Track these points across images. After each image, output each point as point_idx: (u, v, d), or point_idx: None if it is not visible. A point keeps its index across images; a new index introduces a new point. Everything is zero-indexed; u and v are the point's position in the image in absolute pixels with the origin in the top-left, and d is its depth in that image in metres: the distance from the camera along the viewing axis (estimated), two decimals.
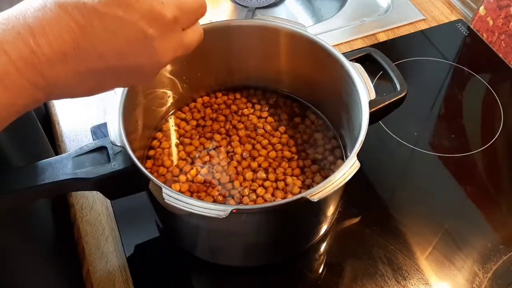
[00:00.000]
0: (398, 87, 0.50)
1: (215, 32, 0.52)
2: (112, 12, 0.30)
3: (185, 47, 0.36)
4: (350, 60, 0.48)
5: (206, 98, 0.58)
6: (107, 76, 0.33)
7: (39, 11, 0.29)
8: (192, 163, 0.52)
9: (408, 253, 0.51)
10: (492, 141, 0.61)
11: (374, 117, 0.45)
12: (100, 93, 0.35)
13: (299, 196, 0.38)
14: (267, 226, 0.45)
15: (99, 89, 0.34)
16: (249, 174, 0.50)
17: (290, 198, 0.40)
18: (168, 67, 0.52)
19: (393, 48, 0.72)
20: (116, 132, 0.42)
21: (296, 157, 0.53)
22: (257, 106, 0.57)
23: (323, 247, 0.53)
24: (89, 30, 0.30)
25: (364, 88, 0.46)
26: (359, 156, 0.41)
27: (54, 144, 0.61)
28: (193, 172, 0.51)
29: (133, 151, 0.41)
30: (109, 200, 0.54)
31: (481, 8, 0.73)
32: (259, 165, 0.52)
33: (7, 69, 0.28)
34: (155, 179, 0.39)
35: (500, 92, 0.67)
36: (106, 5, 0.30)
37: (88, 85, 0.33)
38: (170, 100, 0.56)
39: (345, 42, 0.72)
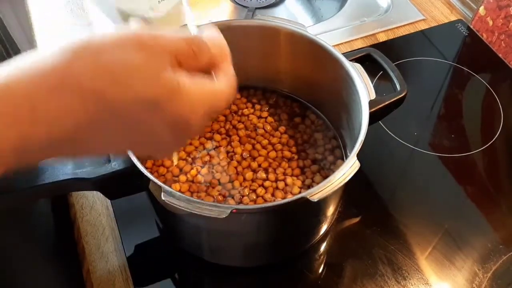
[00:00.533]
0: (398, 87, 0.50)
1: None
2: (132, 112, 0.27)
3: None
4: (350, 60, 0.48)
5: None
6: (100, 154, 0.32)
7: (53, 90, 0.25)
8: (192, 163, 0.52)
9: (408, 253, 0.51)
10: (492, 141, 0.61)
11: (374, 117, 0.45)
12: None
13: (299, 196, 0.38)
14: (267, 226, 0.45)
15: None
16: (249, 174, 0.50)
17: (290, 198, 0.40)
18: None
19: (393, 48, 0.72)
20: None
21: (296, 157, 0.53)
22: (257, 106, 0.57)
23: (323, 247, 0.53)
24: (96, 124, 0.27)
25: (364, 88, 0.46)
26: (359, 156, 0.41)
27: None
28: (193, 172, 0.51)
29: None
30: (109, 200, 0.54)
31: (481, 8, 0.73)
32: (259, 165, 0.52)
33: None
34: (155, 179, 0.39)
35: (500, 92, 0.67)
36: (127, 103, 0.26)
37: (80, 156, 0.32)
38: None
39: (345, 42, 0.72)
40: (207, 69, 0.31)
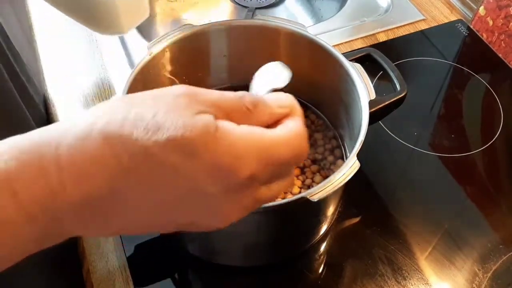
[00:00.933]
0: (398, 87, 0.50)
1: (215, 32, 0.52)
2: (168, 158, 0.23)
3: (259, 204, 0.27)
4: (350, 60, 0.48)
5: None
6: (141, 225, 0.26)
7: (80, 140, 0.23)
8: None
9: (408, 253, 0.51)
10: (492, 141, 0.61)
11: (374, 117, 0.45)
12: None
13: (299, 196, 0.38)
14: (267, 226, 0.45)
15: (130, 233, 0.27)
16: None
17: (290, 198, 0.40)
18: (168, 67, 0.52)
19: (393, 48, 0.72)
20: None
21: None
22: None
23: (323, 247, 0.53)
24: (132, 176, 0.23)
25: (364, 88, 0.46)
26: (359, 156, 0.41)
27: None
28: None
29: None
30: None
31: (481, 8, 0.73)
32: None
33: (11, 218, 0.22)
34: None
35: (500, 92, 0.67)
36: (163, 148, 0.23)
37: (115, 231, 0.26)
38: None
39: (345, 42, 0.72)
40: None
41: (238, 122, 0.25)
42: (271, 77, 0.46)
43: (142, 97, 0.25)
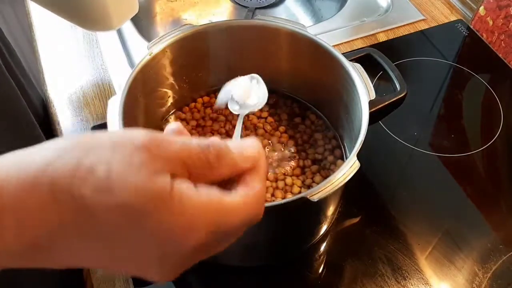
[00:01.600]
0: (398, 87, 0.50)
1: (215, 32, 0.52)
2: (115, 221, 0.22)
3: (199, 260, 0.27)
4: (350, 60, 0.48)
5: (206, 98, 0.58)
6: (88, 266, 0.26)
7: (26, 191, 0.22)
8: None
9: (408, 253, 0.51)
10: (492, 141, 0.61)
11: (374, 117, 0.45)
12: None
13: (299, 196, 0.38)
14: (267, 226, 0.45)
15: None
16: None
17: (290, 198, 0.40)
18: (168, 67, 0.52)
19: (393, 48, 0.72)
20: None
21: (296, 157, 0.53)
22: None
23: (323, 247, 0.53)
24: (74, 232, 0.23)
25: (364, 88, 0.46)
26: (359, 156, 0.41)
27: None
28: None
29: None
30: None
31: (481, 8, 0.73)
32: None
33: None
34: None
35: (500, 92, 0.67)
36: (111, 211, 0.22)
37: (56, 266, 0.25)
38: (170, 100, 0.56)
39: (345, 42, 0.72)
40: (232, 182, 0.26)
41: (198, 175, 0.25)
42: (249, 94, 0.46)
43: (100, 141, 0.23)
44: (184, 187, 0.23)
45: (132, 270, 0.25)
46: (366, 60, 0.52)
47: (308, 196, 0.38)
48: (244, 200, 0.25)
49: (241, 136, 0.51)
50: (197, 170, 0.25)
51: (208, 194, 0.24)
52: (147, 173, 0.22)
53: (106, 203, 0.22)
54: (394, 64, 0.51)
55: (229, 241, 0.27)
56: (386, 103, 0.48)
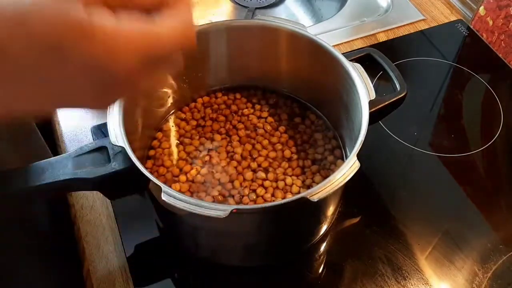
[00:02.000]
0: (398, 87, 0.50)
1: (215, 32, 0.52)
2: (34, 61, 0.22)
3: (139, 88, 0.26)
4: (350, 60, 0.48)
5: (206, 98, 0.58)
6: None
7: None
8: (192, 163, 0.52)
9: (408, 253, 0.51)
10: (492, 141, 0.61)
11: (374, 117, 0.45)
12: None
13: (299, 196, 0.38)
14: (267, 226, 0.45)
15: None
16: (249, 174, 0.50)
17: (290, 198, 0.40)
18: None
19: (393, 48, 0.72)
20: (116, 132, 0.42)
21: (296, 157, 0.53)
22: (257, 106, 0.57)
23: (323, 247, 0.53)
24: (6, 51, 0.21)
25: (364, 88, 0.46)
26: (359, 156, 0.41)
27: (54, 144, 0.61)
28: (193, 172, 0.51)
29: (133, 151, 0.41)
30: (109, 200, 0.54)
31: (481, 8, 0.73)
32: (259, 165, 0.52)
33: None
34: (155, 179, 0.39)
35: (500, 92, 0.67)
36: (24, 50, 0.21)
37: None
38: (170, 100, 0.56)
39: (345, 42, 0.72)
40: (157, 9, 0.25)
41: (116, 3, 0.23)
42: None
43: None
44: (103, 18, 0.22)
45: (69, 103, 0.25)
46: (366, 60, 0.52)
47: (308, 196, 0.38)
48: (169, 22, 0.24)
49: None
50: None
51: (131, 23, 0.23)
52: (59, 8, 0.21)
53: (19, 40, 0.21)
54: (394, 64, 0.51)
55: (166, 68, 0.26)
56: (386, 103, 0.48)
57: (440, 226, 0.54)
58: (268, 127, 0.55)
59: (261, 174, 0.51)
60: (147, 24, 0.24)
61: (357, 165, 0.40)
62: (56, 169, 0.42)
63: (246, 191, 0.49)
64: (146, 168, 0.41)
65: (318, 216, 0.48)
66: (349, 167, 0.40)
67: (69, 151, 0.44)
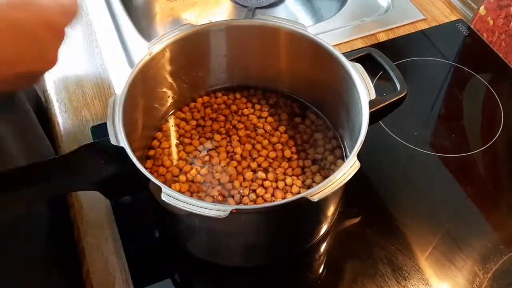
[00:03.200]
0: (398, 87, 0.50)
1: (215, 32, 0.52)
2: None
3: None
4: (350, 60, 0.48)
5: (206, 98, 0.58)
6: None
7: None
8: (192, 163, 0.52)
9: (408, 253, 0.51)
10: (492, 141, 0.61)
11: (374, 117, 0.45)
12: None
13: (299, 196, 0.38)
14: (267, 226, 0.45)
15: None
16: (249, 174, 0.50)
17: (290, 198, 0.40)
18: (168, 67, 0.52)
19: (393, 48, 0.72)
20: (116, 132, 0.42)
21: (296, 157, 0.53)
22: (257, 106, 0.57)
23: (323, 247, 0.53)
24: None
25: (364, 88, 0.46)
26: (359, 156, 0.40)
27: (54, 144, 0.61)
28: (193, 172, 0.51)
29: (133, 151, 0.41)
30: (109, 200, 0.54)
31: (482, 8, 0.73)
32: (259, 165, 0.52)
33: None
34: (155, 179, 0.39)
35: (500, 92, 0.67)
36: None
37: None
38: (170, 100, 0.56)
39: (345, 42, 0.72)
40: None
41: None
42: None
43: None
44: None
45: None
46: (366, 60, 0.52)
47: (308, 196, 0.38)
48: None
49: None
50: None
51: None
52: None
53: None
54: (394, 64, 0.51)
55: (56, 37, 0.36)
56: (386, 103, 0.48)
57: (440, 226, 0.54)
58: (268, 127, 0.55)
59: (261, 174, 0.50)
60: None
61: (357, 165, 0.40)
62: (56, 169, 0.42)
63: (246, 191, 0.49)
64: (146, 168, 0.41)
65: (318, 216, 0.48)
66: (349, 167, 0.40)
67: (69, 151, 0.44)
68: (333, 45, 0.49)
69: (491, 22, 0.72)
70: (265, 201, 0.49)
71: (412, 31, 0.74)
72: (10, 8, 0.32)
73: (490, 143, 0.61)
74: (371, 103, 0.45)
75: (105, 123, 0.43)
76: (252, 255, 0.50)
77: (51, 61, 0.37)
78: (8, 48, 0.32)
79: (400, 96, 0.49)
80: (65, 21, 0.36)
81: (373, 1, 0.79)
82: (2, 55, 0.32)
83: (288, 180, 0.50)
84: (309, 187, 0.50)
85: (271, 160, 0.52)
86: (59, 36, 0.36)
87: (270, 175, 0.51)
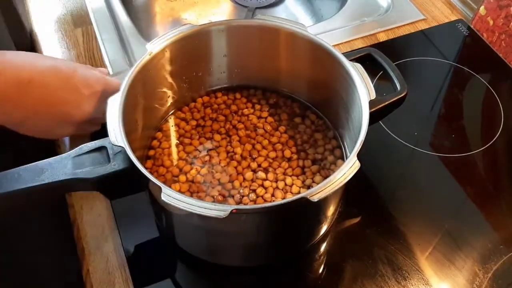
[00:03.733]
0: (398, 87, 0.50)
1: (215, 32, 0.52)
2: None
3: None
4: (350, 60, 0.48)
5: (206, 98, 0.58)
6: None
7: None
8: (192, 163, 0.52)
9: (408, 253, 0.51)
10: (492, 141, 0.61)
11: (374, 117, 0.45)
12: None
13: (299, 196, 0.38)
14: (267, 226, 0.45)
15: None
16: (249, 174, 0.50)
17: (290, 198, 0.40)
18: (168, 67, 0.52)
19: (393, 48, 0.72)
20: (116, 132, 0.42)
21: (296, 157, 0.53)
22: (257, 106, 0.57)
23: (323, 247, 0.53)
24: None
25: (364, 88, 0.46)
26: (359, 156, 0.40)
27: (54, 144, 0.61)
28: (193, 172, 0.51)
29: (133, 151, 0.41)
30: (109, 200, 0.54)
31: (482, 8, 0.73)
32: (259, 165, 0.52)
33: None
34: (154, 179, 0.39)
35: (500, 92, 0.67)
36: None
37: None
38: (170, 100, 0.56)
39: (345, 42, 0.72)
40: None
41: None
42: None
43: None
44: None
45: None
46: (366, 60, 0.52)
47: (308, 196, 0.38)
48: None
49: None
50: None
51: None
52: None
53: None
54: (394, 64, 0.51)
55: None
56: (386, 103, 0.48)
57: (440, 226, 0.54)
58: (268, 127, 0.55)
59: (261, 174, 0.50)
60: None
61: (357, 165, 0.40)
62: (56, 169, 0.42)
63: (246, 191, 0.49)
64: (146, 168, 0.41)
65: (318, 216, 0.48)
66: (349, 167, 0.40)
67: (69, 151, 0.44)
68: (333, 45, 0.49)
69: (491, 22, 0.72)
70: (265, 201, 0.49)
71: (412, 31, 0.74)
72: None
73: (490, 143, 0.61)
74: (371, 103, 0.45)
75: (105, 123, 0.43)
76: (252, 255, 0.50)
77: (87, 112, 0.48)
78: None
79: (400, 96, 0.49)
80: (104, 90, 0.49)
81: (373, 1, 0.79)
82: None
83: (288, 180, 0.50)
84: (309, 187, 0.50)
85: (271, 160, 0.52)
86: (95, 97, 0.48)
87: (270, 175, 0.51)
